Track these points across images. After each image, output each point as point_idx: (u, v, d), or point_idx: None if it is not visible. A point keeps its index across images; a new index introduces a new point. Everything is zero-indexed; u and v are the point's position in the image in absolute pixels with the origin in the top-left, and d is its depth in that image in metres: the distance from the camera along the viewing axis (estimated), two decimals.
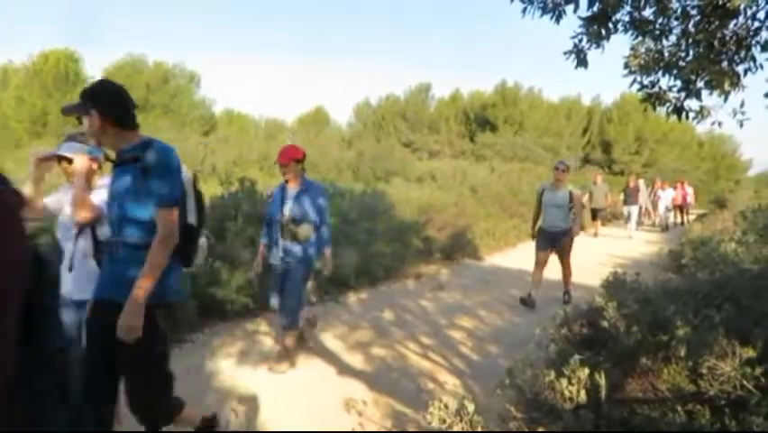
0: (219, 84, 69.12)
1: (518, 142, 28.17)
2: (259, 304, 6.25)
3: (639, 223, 17.62)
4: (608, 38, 2.48)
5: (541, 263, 7.20)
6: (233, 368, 4.79)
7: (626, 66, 2.67)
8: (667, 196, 19.47)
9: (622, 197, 16.86)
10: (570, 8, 2.49)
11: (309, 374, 4.71)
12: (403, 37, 79.29)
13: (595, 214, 16.10)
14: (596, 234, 15.83)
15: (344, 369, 4.84)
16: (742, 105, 2.60)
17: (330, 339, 5.62)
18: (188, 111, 28.43)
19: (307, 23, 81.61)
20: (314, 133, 25.92)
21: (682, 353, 2.90)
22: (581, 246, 13.24)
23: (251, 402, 4.13)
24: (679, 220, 20.64)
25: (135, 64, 27.44)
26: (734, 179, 36.27)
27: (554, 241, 7.14)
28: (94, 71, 31.28)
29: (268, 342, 5.48)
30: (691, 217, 21.15)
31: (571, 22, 2.71)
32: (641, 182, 17.51)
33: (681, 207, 20.78)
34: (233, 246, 6.35)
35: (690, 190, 20.88)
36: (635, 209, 16.46)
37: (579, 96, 34.76)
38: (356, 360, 5.08)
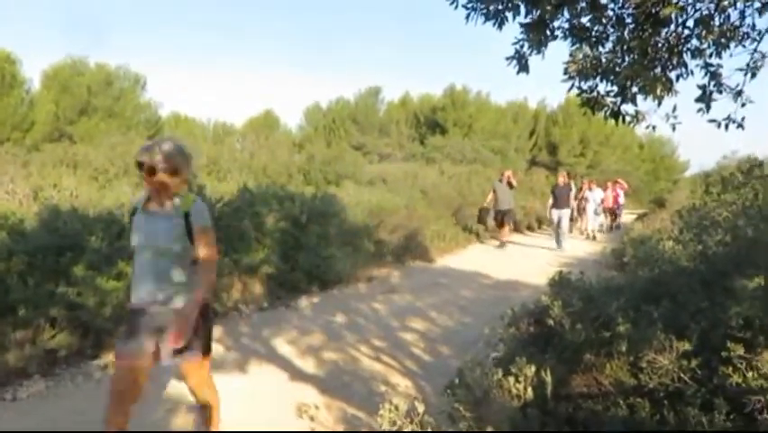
0: (165, 87, 67.65)
1: (467, 145, 28.50)
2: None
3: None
4: (546, 44, 2.57)
5: (120, 395, 2.98)
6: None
7: (566, 72, 2.76)
8: (595, 197, 17.09)
9: (550, 199, 13.92)
10: (511, 15, 2.57)
11: (260, 380, 4.66)
12: (352, 40, 79.30)
13: (501, 218, 13.31)
14: (503, 244, 13.19)
15: (296, 374, 4.81)
16: (674, 109, 2.73)
17: (281, 344, 5.58)
18: (133, 114, 27.63)
19: (254, 25, 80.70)
20: (263, 136, 25.61)
21: (624, 348, 3.01)
22: (521, 253, 13.60)
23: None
24: (610, 224, 18.62)
25: (76, 66, 26.54)
26: (672, 179, 37.66)
27: (154, 325, 2.99)
28: (32, 73, 30.20)
29: (218, 349, 5.39)
30: (628, 218, 20.30)
31: (514, 28, 2.80)
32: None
33: (611, 210, 18.69)
34: None
35: (620, 192, 19.00)
36: (566, 214, 13.57)
37: (525, 100, 35.44)
38: (308, 365, 5.06)
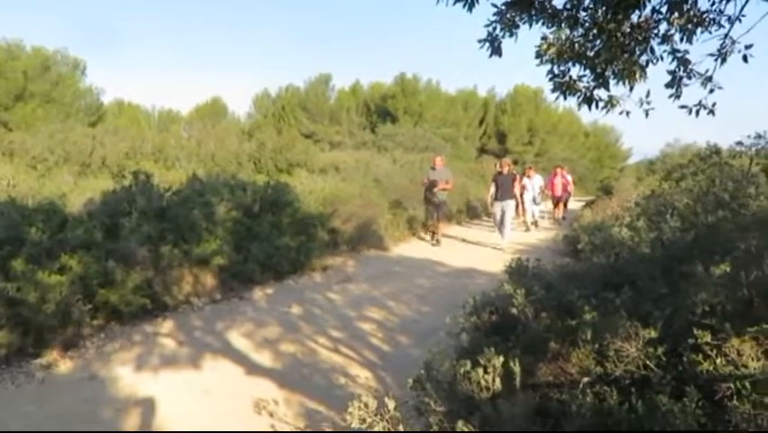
0: (108, 73, 65.05)
1: (418, 133, 28.51)
2: (158, 304, 5.92)
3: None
4: (530, 24, 2.49)
5: None
6: (131, 374, 4.49)
7: (539, 55, 2.70)
8: (534, 185, 15.52)
9: (492, 190, 11.85)
10: None
11: (215, 376, 4.50)
12: (302, 27, 78.23)
13: (436, 209, 11.87)
14: (436, 239, 11.82)
15: (252, 368, 4.67)
16: (648, 94, 2.72)
17: (236, 337, 5.41)
18: (73, 100, 26.46)
19: (200, 10, 78.62)
20: (211, 124, 24.97)
21: (589, 336, 2.99)
22: (470, 243, 13.70)
23: (152, 409, 3.88)
24: (559, 215, 17.01)
25: (10, 50, 25.19)
26: (617, 167, 38.83)
27: None
28: None
29: (170, 344, 5.19)
30: (575, 206, 19.80)
31: (484, 10, 2.71)
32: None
33: (559, 200, 17.06)
34: (127, 244, 5.95)
35: (569, 178, 17.44)
36: (510, 205, 11.56)
37: (475, 88, 35.70)
38: (264, 358, 4.92)
